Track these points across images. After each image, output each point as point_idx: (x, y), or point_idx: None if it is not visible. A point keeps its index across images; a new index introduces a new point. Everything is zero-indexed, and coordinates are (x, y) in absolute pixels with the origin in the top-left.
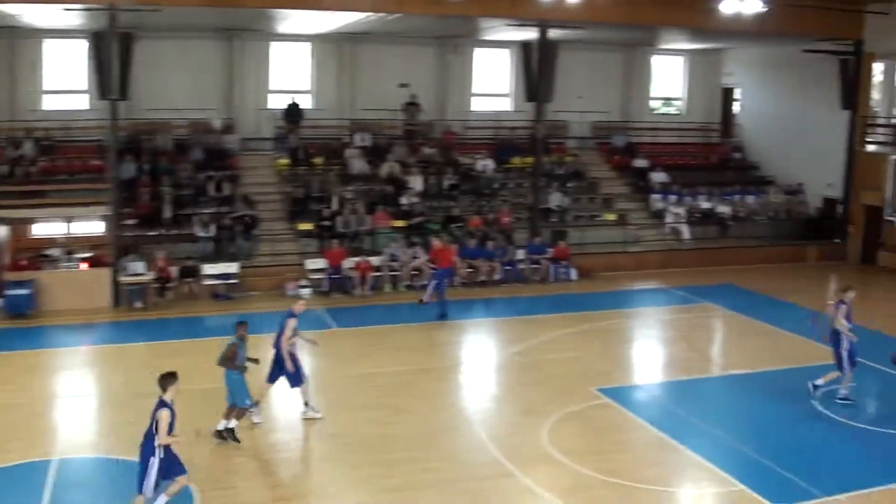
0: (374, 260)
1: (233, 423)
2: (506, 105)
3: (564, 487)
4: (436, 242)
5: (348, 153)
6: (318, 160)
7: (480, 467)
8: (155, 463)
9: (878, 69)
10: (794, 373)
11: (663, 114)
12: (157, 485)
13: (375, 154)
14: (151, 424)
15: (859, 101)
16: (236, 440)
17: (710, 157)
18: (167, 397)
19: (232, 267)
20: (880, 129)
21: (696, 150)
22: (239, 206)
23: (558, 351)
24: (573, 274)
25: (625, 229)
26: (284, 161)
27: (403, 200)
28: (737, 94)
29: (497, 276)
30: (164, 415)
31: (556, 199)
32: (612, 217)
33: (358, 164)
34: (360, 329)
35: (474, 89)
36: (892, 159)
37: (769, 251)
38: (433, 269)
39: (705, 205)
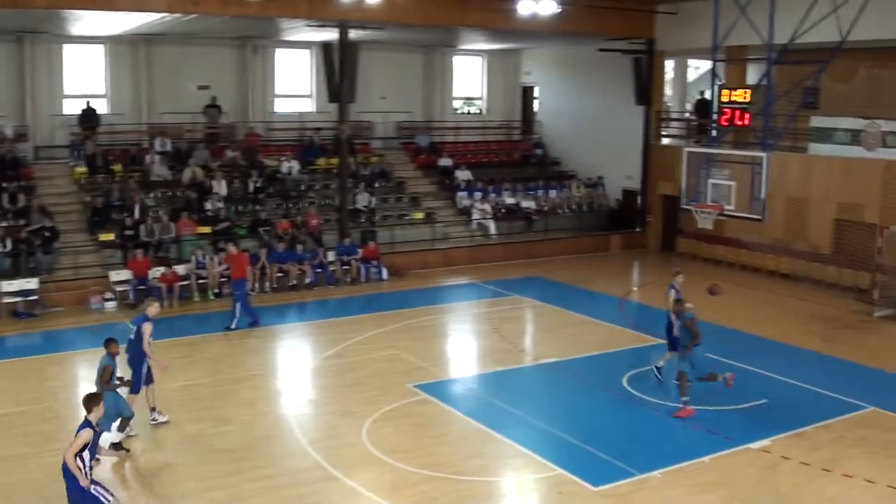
0: (181, 269)
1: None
2: (309, 106)
3: (388, 486)
4: (230, 248)
5: (149, 159)
6: (118, 167)
7: (304, 473)
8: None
9: (669, 66)
10: (604, 358)
11: (465, 113)
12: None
13: (177, 159)
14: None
15: (653, 97)
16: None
17: (513, 154)
18: (92, 418)
19: (32, 282)
20: (673, 123)
21: (498, 147)
22: (36, 217)
23: (373, 350)
24: (384, 273)
25: (433, 227)
26: (82, 169)
27: (208, 206)
28: (536, 92)
29: (308, 280)
30: (83, 436)
31: (363, 200)
32: (419, 215)
33: (159, 170)
34: (172, 340)
35: (277, 90)
36: (685, 151)
37: (574, 242)
38: (227, 279)
39: (510, 200)
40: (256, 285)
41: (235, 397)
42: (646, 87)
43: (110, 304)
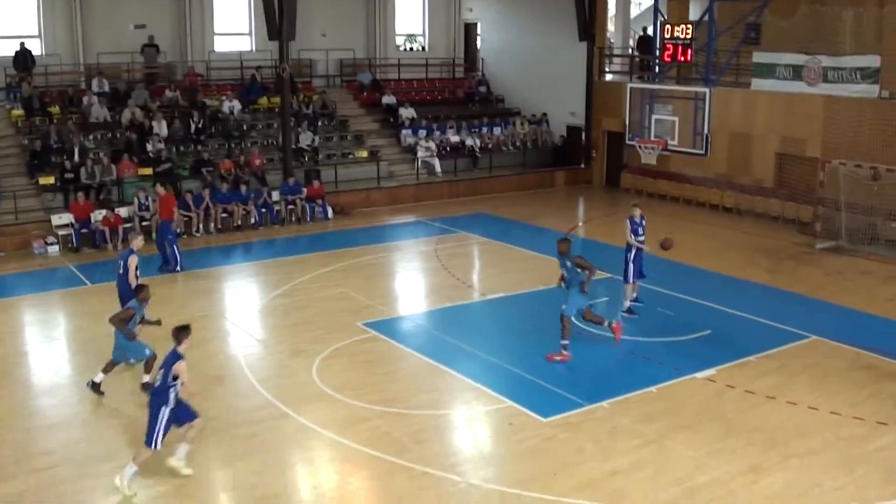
0: (123, 211)
1: (99, 377)
2: (248, 45)
3: (340, 422)
4: (160, 190)
5: (87, 100)
6: (55, 109)
7: (255, 412)
8: (166, 413)
9: (612, 2)
10: (551, 293)
11: (408, 50)
12: (164, 436)
13: (115, 100)
14: (165, 378)
15: (596, 33)
16: (100, 393)
17: (456, 91)
18: (181, 349)
19: None
20: (616, 59)
21: (441, 85)
22: None
23: (321, 289)
24: (329, 212)
25: (377, 165)
26: (18, 112)
27: (149, 147)
28: (479, 29)
29: (253, 220)
30: (183, 367)
31: (306, 139)
32: (363, 154)
33: (98, 112)
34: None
35: (216, 29)
36: (628, 87)
37: (519, 179)
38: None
39: (454, 138)
40: (201, 226)
41: None
42: (589, 23)
43: (53, 249)
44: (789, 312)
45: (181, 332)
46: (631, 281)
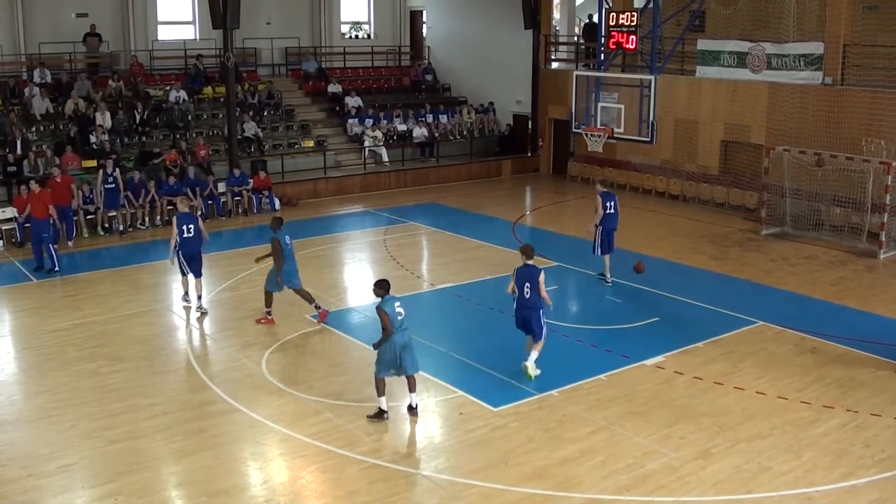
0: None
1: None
2: (192, 33)
3: (291, 416)
4: (33, 186)
5: (28, 91)
6: None
7: (205, 406)
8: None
9: None
10: (500, 282)
11: (353, 38)
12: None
13: (58, 91)
14: (534, 288)
15: (541, 21)
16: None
17: (403, 79)
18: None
19: None
20: (562, 47)
21: (388, 73)
22: None
23: None
24: (276, 203)
25: (324, 155)
26: None
27: (93, 139)
28: (424, 16)
29: (199, 213)
30: (542, 277)
31: (251, 129)
32: (310, 144)
33: (40, 103)
34: (61, 279)
35: (159, 17)
36: (574, 75)
37: (467, 168)
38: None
39: (401, 127)
40: (147, 219)
41: (128, 334)
42: (534, 10)
43: None
44: (736, 298)
45: (530, 249)
46: (604, 252)
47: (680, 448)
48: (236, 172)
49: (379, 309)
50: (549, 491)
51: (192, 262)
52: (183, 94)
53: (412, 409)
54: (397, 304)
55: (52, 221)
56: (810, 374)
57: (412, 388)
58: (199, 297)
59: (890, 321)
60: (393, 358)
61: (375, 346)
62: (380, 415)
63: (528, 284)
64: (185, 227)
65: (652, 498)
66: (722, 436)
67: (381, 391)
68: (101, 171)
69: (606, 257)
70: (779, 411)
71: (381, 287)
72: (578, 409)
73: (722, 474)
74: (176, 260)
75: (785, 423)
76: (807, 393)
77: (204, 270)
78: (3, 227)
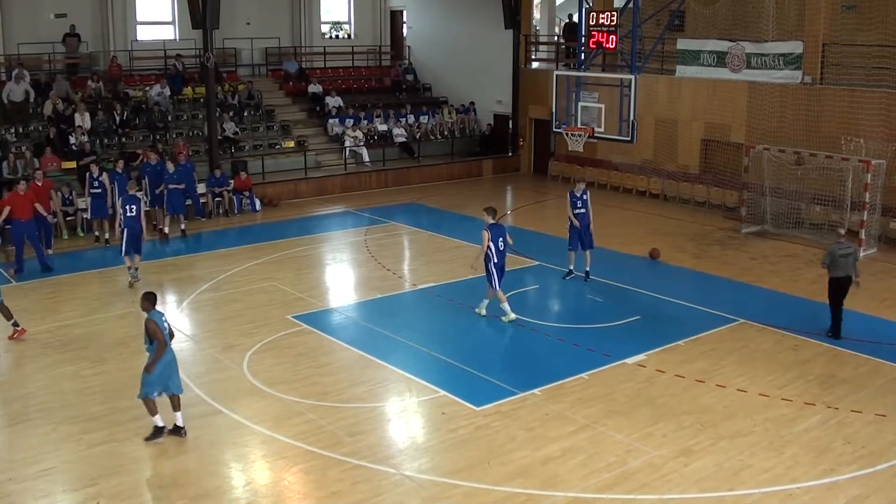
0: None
1: None
2: (171, 34)
3: (274, 417)
4: (19, 187)
5: (6, 91)
6: None
7: (187, 409)
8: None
9: None
10: (481, 281)
11: (334, 38)
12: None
13: (36, 91)
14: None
15: (521, 21)
16: None
17: (383, 79)
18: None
19: None
20: (542, 47)
21: (368, 73)
22: None
23: (250, 283)
24: (257, 204)
25: (305, 156)
26: None
27: (72, 140)
28: (405, 16)
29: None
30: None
31: (232, 129)
32: (290, 144)
33: (18, 104)
34: (42, 281)
35: (138, 17)
36: (555, 74)
37: (448, 168)
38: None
39: (382, 127)
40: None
41: (109, 337)
42: (514, 10)
43: None
44: (716, 296)
45: (492, 211)
46: (570, 248)
47: (662, 446)
48: (217, 173)
49: (150, 322)
50: (532, 490)
51: (134, 241)
52: (168, 91)
53: (178, 429)
54: (164, 318)
55: (38, 220)
56: (791, 371)
57: (178, 407)
58: (136, 269)
59: (870, 318)
60: (163, 375)
61: (148, 369)
62: (157, 433)
63: (501, 239)
64: (128, 207)
65: (634, 496)
66: (703, 433)
67: (153, 410)
68: (87, 175)
69: (572, 253)
70: (760, 408)
71: (149, 300)
72: (560, 408)
73: (704, 472)
74: (122, 239)
75: (766, 420)
76: (788, 390)
77: (185, 271)
78: None
